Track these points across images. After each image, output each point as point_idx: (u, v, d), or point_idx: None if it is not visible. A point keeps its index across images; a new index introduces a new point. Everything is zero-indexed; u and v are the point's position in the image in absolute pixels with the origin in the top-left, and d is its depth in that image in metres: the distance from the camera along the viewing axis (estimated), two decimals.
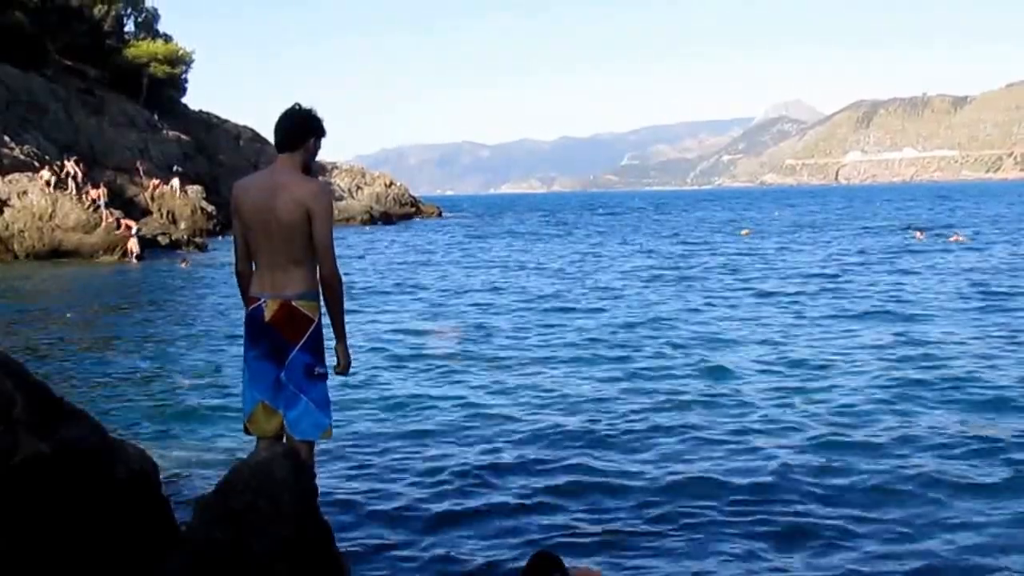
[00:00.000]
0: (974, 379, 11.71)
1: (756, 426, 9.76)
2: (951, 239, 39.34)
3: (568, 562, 5.30)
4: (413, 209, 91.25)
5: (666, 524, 6.97)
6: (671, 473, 8.17)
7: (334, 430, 5.75)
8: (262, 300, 5.45)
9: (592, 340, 15.77)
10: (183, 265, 34.08)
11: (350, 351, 5.64)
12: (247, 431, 5.68)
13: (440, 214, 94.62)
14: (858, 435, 9.28)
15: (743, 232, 49.29)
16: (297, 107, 5.60)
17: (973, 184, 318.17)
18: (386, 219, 77.19)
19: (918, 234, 42.57)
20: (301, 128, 5.53)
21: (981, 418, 9.88)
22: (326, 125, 5.62)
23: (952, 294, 20.97)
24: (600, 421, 10.05)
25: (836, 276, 25.72)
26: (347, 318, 5.66)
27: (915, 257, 31.37)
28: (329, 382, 5.54)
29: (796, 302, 20.35)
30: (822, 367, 12.89)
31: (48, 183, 39.23)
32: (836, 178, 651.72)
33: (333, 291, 5.48)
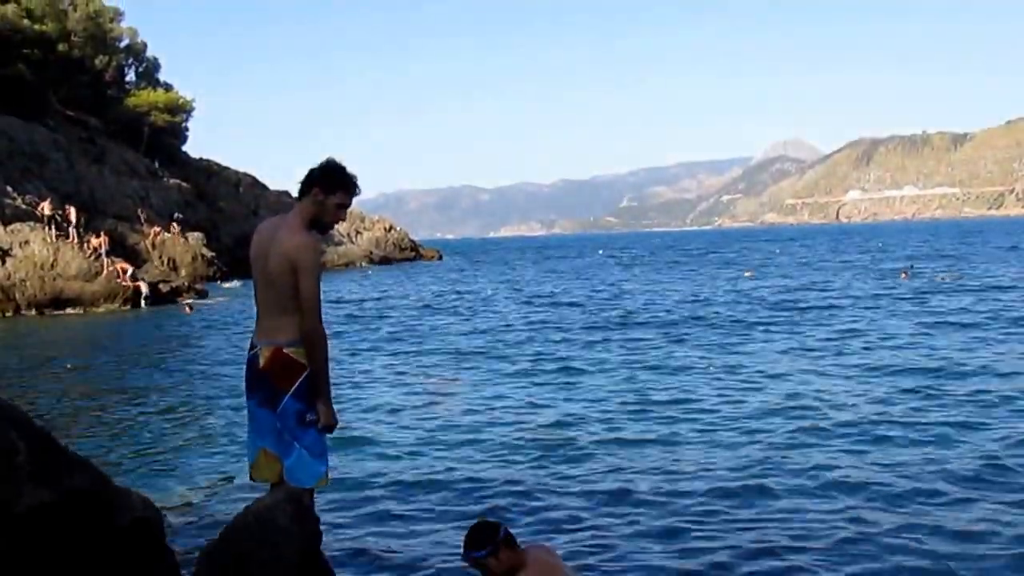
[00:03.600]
0: None
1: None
2: (937, 278, 38.62)
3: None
4: (413, 253, 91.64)
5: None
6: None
7: (334, 477, 5.70)
8: (257, 348, 5.45)
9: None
10: (187, 311, 34.28)
11: (335, 410, 5.52)
12: (252, 478, 5.67)
13: (440, 257, 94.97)
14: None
15: (746, 273, 48.93)
16: (326, 160, 5.61)
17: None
18: (385, 263, 77.48)
19: (902, 275, 41.32)
20: (308, 178, 5.54)
21: None
22: (339, 179, 5.51)
23: None
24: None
25: None
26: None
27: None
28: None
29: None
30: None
31: (50, 221, 39.62)
32: (837, 217, 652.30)
33: (314, 347, 5.36)
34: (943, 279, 37.80)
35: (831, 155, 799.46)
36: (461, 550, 5.16)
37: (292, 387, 5.33)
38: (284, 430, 5.36)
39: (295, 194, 5.59)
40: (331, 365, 5.59)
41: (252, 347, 5.52)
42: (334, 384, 5.67)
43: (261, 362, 5.41)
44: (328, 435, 5.51)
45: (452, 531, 7.76)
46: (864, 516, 7.92)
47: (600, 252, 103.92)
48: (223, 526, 4.81)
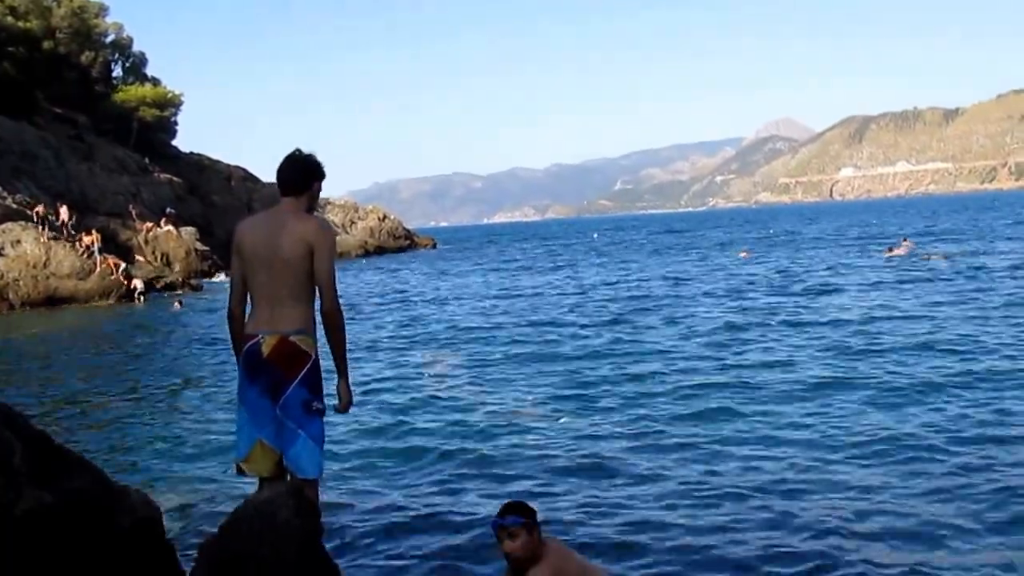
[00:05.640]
0: None
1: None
2: (924, 257, 36.54)
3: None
4: (408, 242, 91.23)
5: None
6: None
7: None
8: (259, 336, 5.44)
9: None
10: (177, 307, 34.13)
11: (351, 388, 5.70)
12: (240, 471, 5.63)
13: (435, 245, 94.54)
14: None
15: (741, 254, 48.57)
16: (299, 152, 5.66)
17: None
18: (380, 253, 77.33)
19: (899, 249, 39.89)
20: (308, 174, 5.64)
21: None
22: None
23: None
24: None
25: None
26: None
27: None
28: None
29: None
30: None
31: (42, 222, 39.57)
32: (830, 195, 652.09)
33: (335, 326, 5.50)
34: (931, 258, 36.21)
35: (823, 133, 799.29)
36: (495, 517, 4.99)
37: (298, 375, 5.37)
38: (288, 419, 5.36)
39: None
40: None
41: (251, 337, 5.49)
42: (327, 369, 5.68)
43: (265, 351, 5.40)
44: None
45: (456, 523, 7.76)
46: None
47: (595, 235, 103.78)
48: (223, 520, 4.76)
